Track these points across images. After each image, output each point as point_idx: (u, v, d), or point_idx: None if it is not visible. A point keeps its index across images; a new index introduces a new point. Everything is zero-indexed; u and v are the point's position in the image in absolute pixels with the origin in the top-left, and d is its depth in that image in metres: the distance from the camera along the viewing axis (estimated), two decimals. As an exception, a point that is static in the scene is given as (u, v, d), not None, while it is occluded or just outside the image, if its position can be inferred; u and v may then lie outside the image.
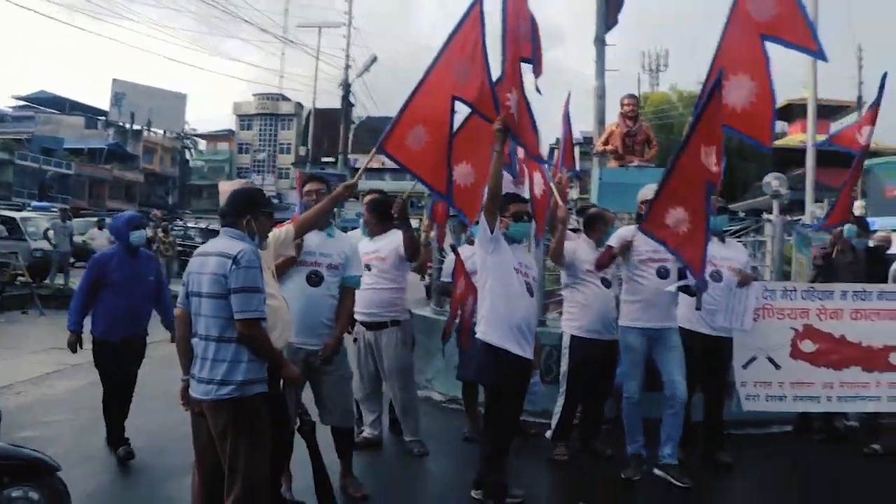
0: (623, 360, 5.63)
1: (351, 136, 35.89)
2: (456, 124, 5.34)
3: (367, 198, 6.00)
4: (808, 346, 6.06)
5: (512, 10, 5.08)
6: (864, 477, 5.94)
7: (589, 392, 5.91)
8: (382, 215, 5.90)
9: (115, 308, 5.66)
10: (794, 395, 6.06)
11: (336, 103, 36.96)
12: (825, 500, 5.54)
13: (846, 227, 6.86)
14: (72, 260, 18.13)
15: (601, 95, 10.74)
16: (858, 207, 22.93)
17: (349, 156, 38.43)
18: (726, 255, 5.86)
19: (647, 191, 5.72)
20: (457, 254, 5.96)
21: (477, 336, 4.77)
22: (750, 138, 5.84)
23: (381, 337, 5.75)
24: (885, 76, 6.80)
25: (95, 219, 22.31)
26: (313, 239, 4.77)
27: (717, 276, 5.63)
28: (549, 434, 6.00)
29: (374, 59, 29.10)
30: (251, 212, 3.72)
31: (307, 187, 5.08)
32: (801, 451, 6.46)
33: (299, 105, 71.63)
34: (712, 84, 5.25)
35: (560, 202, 5.85)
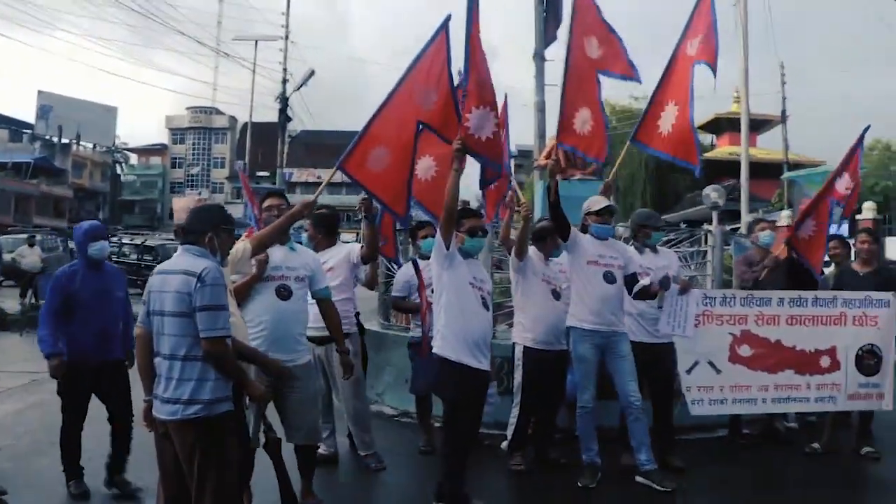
0: (576, 370, 5.74)
1: (286, 149, 35.59)
2: None
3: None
4: (745, 350, 6.28)
5: (476, 28, 5.23)
6: (808, 474, 6.29)
7: (542, 402, 6.00)
8: (329, 230, 5.96)
9: (84, 330, 5.17)
10: (733, 399, 6.27)
11: (271, 116, 36.62)
12: (776, 498, 5.78)
13: (762, 234, 7.07)
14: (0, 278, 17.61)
15: (541, 110, 10.91)
16: (785, 217, 23.78)
17: (284, 169, 38.12)
18: (660, 263, 6.03)
19: (592, 202, 5.93)
20: (417, 268, 6.00)
21: (434, 351, 4.81)
22: (681, 161, 6.28)
23: (332, 350, 5.72)
24: (866, 129, 7.08)
25: (25, 235, 21.67)
26: (277, 253, 4.81)
27: (610, 278, 5.71)
28: (504, 445, 6.08)
29: (312, 73, 28.89)
30: (213, 229, 3.72)
31: (267, 203, 5.10)
32: (748, 454, 6.71)
33: (233, 119, 70.86)
34: None
35: (524, 199, 5.95)
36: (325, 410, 5.99)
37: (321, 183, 5.64)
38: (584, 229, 5.88)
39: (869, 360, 6.49)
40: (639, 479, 5.61)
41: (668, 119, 6.23)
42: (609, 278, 5.67)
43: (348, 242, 6.10)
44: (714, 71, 6.68)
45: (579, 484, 5.58)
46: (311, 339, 5.66)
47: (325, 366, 5.81)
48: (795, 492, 5.91)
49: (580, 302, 5.69)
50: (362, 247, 5.87)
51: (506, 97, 8.70)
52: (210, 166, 72.08)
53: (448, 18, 5.48)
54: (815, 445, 6.70)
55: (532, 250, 6.01)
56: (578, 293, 5.72)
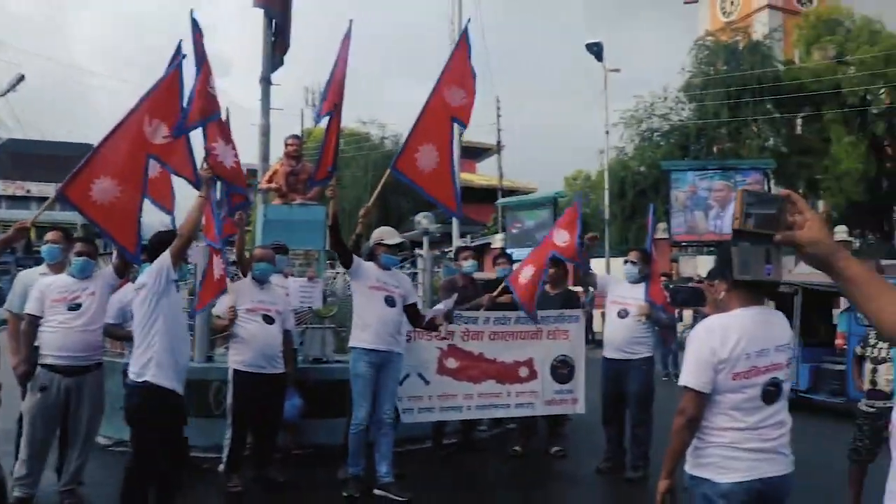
0: (353, 387, 5.90)
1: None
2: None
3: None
4: (451, 363, 6.91)
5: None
6: (507, 473, 7.13)
7: (256, 423, 6.07)
8: (96, 251, 5.75)
9: None
10: (441, 407, 6.88)
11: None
12: (481, 496, 6.44)
13: (466, 263, 7.52)
14: None
15: (265, 133, 10.96)
16: (499, 240, 25.65)
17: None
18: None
19: (386, 233, 6.20)
20: None
21: (142, 379, 4.56)
22: (441, 204, 6.69)
23: (85, 382, 5.42)
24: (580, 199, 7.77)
25: None
26: None
27: (391, 302, 6.01)
28: (221, 468, 6.08)
29: (22, 78, 26.48)
30: None
31: None
32: (456, 460, 7.32)
33: (-78, 123, 62.45)
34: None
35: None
36: (45, 450, 5.50)
37: (31, 197, 5.38)
38: (373, 256, 6.13)
39: (563, 370, 7.36)
40: (376, 491, 5.88)
41: (427, 158, 6.45)
42: (390, 302, 5.97)
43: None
44: (463, 126, 7.14)
45: (344, 494, 5.79)
46: (61, 368, 5.35)
47: (73, 398, 5.40)
48: (495, 488, 6.66)
49: (361, 323, 5.94)
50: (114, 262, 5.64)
51: (227, 112, 8.58)
52: None
53: (179, 51, 5.51)
54: (517, 448, 7.49)
55: (247, 281, 6.19)
56: (360, 315, 5.97)
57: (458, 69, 6.79)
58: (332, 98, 6.94)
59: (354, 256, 5.99)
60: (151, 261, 4.75)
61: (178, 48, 5.63)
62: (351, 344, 6.01)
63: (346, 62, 6.80)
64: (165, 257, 4.61)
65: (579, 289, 8.43)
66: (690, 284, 4.68)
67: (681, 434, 3.00)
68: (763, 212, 1.76)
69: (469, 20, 7.02)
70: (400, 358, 6.11)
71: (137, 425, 4.67)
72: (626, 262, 6.96)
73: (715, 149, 29.85)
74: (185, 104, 5.38)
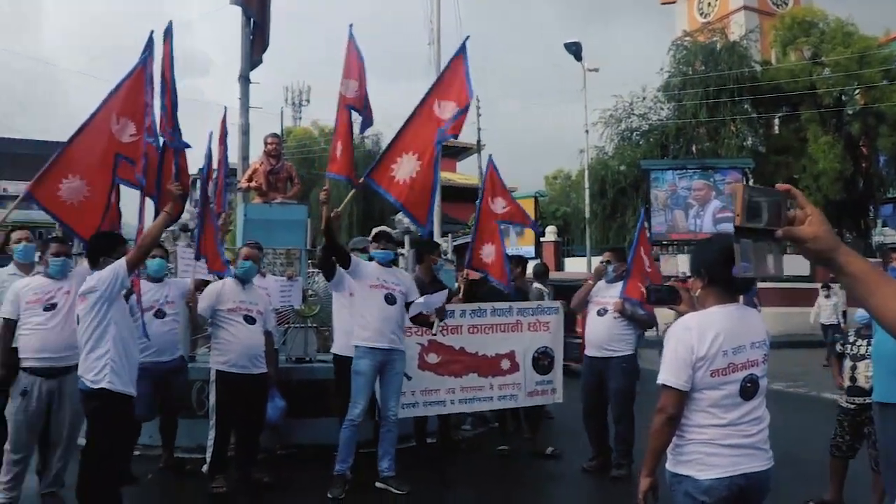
0: (352, 384, 5.93)
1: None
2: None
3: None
4: (433, 358, 6.92)
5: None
6: (502, 471, 7.10)
7: (239, 424, 6.05)
8: (71, 251, 5.70)
9: None
10: (424, 402, 6.89)
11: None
12: (486, 492, 6.47)
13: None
14: None
15: (245, 132, 10.95)
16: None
17: None
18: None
19: (374, 231, 6.40)
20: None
21: (99, 386, 4.53)
22: (409, 213, 6.66)
23: (66, 383, 5.23)
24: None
25: None
26: None
27: (391, 299, 6.06)
28: (205, 468, 6.02)
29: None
30: None
31: None
32: (442, 460, 7.30)
33: None
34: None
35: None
36: (30, 455, 5.44)
37: (6, 196, 5.36)
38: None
39: (544, 361, 7.42)
40: (378, 484, 5.98)
41: (406, 167, 6.42)
42: (390, 300, 6.02)
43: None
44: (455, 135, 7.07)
45: (329, 495, 5.78)
46: (39, 371, 5.25)
47: (56, 401, 5.29)
48: (481, 487, 6.57)
49: (363, 322, 5.99)
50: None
51: (225, 111, 8.47)
52: None
53: (151, 44, 5.43)
54: (504, 447, 7.51)
55: (228, 281, 6.16)
56: (361, 314, 6.02)
57: (452, 84, 6.73)
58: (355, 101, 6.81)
59: (352, 256, 6.04)
60: (91, 261, 4.73)
61: (150, 40, 5.56)
62: (353, 342, 6.04)
63: (358, 64, 6.70)
64: (121, 266, 4.53)
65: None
66: (666, 283, 4.69)
67: (661, 432, 3.01)
68: (764, 208, 1.71)
69: (468, 37, 6.84)
70: (402, 355, 6.17)
71: (98, 427, 4.63)
72: (601, 262, 7.02)
73: (694, 148, 29.99)
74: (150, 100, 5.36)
